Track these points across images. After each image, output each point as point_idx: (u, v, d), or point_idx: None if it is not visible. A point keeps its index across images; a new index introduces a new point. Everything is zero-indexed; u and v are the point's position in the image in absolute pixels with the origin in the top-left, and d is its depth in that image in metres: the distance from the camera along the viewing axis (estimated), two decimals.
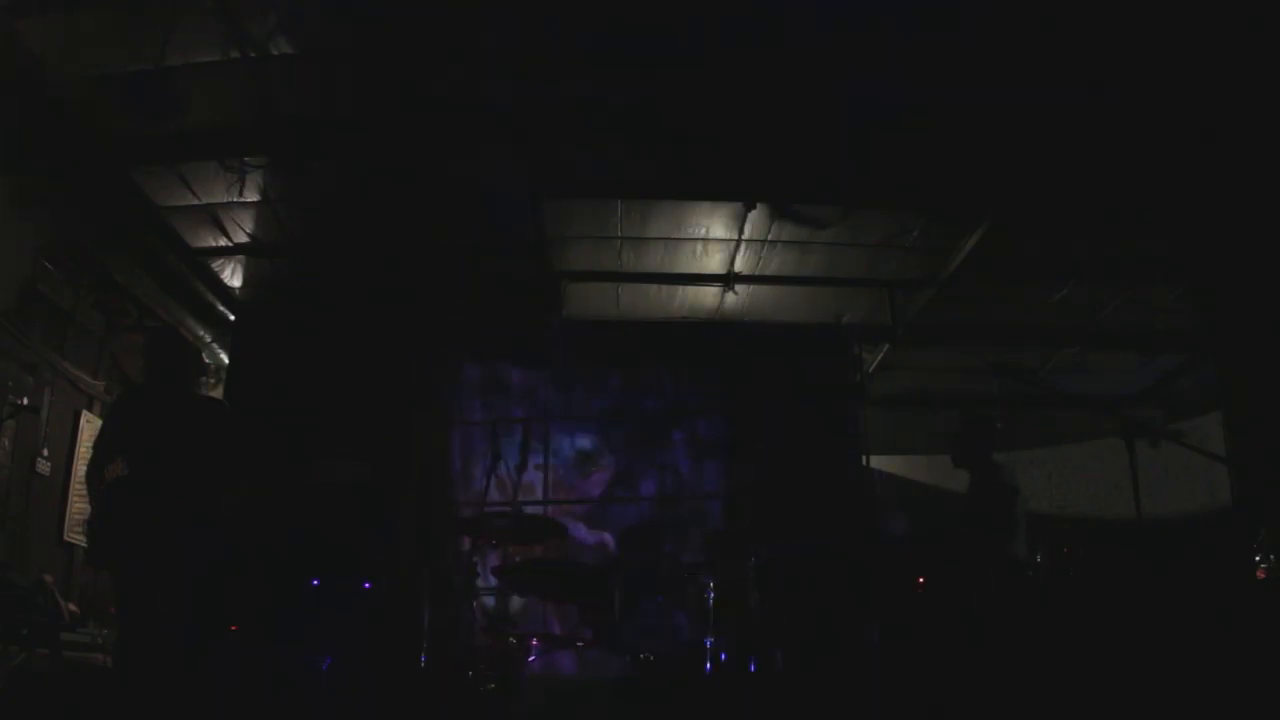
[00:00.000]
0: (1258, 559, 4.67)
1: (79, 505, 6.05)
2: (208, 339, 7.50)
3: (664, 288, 7.15)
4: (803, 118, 5.23)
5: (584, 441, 7.81)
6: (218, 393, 7.43)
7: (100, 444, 4.25)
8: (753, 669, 4.51)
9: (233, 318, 7.41)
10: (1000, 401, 7.89)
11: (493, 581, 5.57)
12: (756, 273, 6.90)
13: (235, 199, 5.84)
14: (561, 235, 6.49)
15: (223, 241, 6.43)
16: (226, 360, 7.65)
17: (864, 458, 7.31)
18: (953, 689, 4.14)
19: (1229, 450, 5.76)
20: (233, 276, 6.98)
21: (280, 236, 6.37)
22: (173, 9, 4.35)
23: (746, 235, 6.40)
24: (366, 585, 5.84)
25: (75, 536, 6.14)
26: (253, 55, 4.66)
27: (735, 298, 7.20)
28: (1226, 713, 3.89)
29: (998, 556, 4.53)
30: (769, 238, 6.43)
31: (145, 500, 3.94)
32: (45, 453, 5.99)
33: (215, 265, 6.79)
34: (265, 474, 4.71)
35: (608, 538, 7.34)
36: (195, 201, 5.91)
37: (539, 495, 7.65)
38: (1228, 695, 3.92)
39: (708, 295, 7.21)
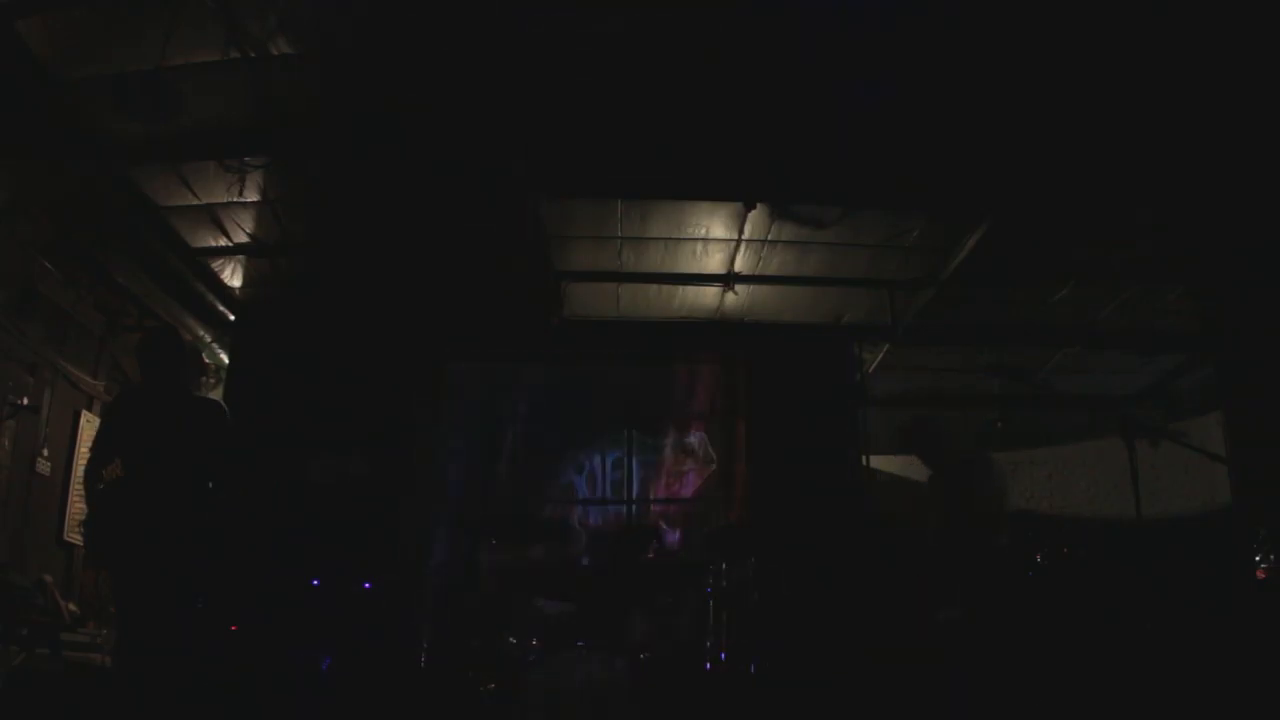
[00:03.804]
0: (1258, 559, 4.67)
1: (79, 505, 6.04)
2: (208, 339, 7.50)
3: (664, 288, 7.14)
4: (803, 117, 5.23)
5: (692, 439, 7.78)
6: (218, 393, 7.42)
7: (98, 444, 4.25)
8: (753, 669, 4.51)
9: (233, 318, 7.41)
10: (1000, 401, 7.91)
11: (493, 581, 5.57)
12: (756, 273, 6.90)
13: (235, 199, 5.84)
14: (561, 235, 6.48)
15: (223, 241, 6.43)
16: (226, 360, 7.65)
17: (864, 458, 7.31)
18: (953, 687, 4.14)
19: (1229, 450, 5.76)
20: (233, 276, 6.97)
21: (280, 236, 6.37)
22: (173, 9, 4.34)
23: (746, 235, 6.40)
24: (366, 585, 5.84)
25: (75, 536, 6.14)
26: (253, 55, 4.66)
27: (735, 298, 7.19)
28: (1227, 712, 3.89)
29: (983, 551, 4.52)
30: (769, 238, 6.43)
31: (143, 500, 3.94)
32: (45, 453, 5.99)
33: (215, 265, 6.79)
34: (264, 474, 4.71)
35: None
36: (195, 201, 5.91)
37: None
38: (1228, 695, 3.92)
39: (708, 295, 7.20)
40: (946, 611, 4.43)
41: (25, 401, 5.67)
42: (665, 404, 7.98)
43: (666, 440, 7.84)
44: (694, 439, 7.77)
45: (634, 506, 7.75)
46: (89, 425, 6.31)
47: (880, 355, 7.92)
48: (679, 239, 6.51)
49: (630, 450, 7.81)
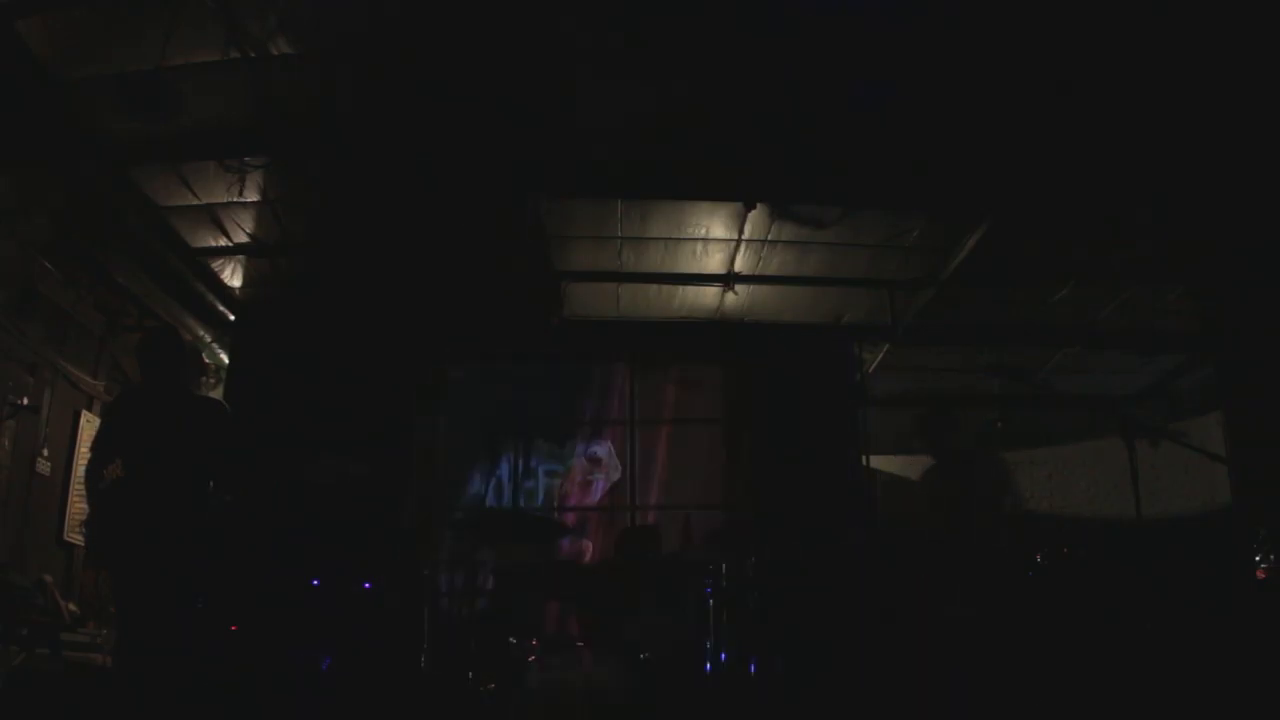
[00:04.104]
0: (1258, 559, 4.67)
1: (79, 505, 6.04)
2: (208, 339, 7.50)
3: (664, 288, 7.15)
4: (803, 117, 5.23)
5: (598, 449, 7.80)
6: (218, 393, 7.42)
7: (99, 444, 4.25)
8: (753, 670, 4.51)
9: (233, 318, 7.41)
10: (1000, 401, 7.91)
11: (493, 581, 5.57)
12: (756, 273, 6.90)
13: (235, 199, 5.84)
14: (561, 235, 6.49)
15: (223, 241, 6.43)
16: (226, 360, 7.65)
17: (864, 458, 7.31)
18: (953, 688, 4.14)
19: (1229, 450, 5.77)
20: (233, 276, 6.98)
21: (280, 236, 6.37)
22: (173, 9, 4.34)
23: (746, 235, 6.40)
24: (366, 585, 5.83)
25: (75, 536, 6.14)
26: (253, 55, 4.66)
27: (735, 298, 7.19)
28: (1227, 712, 3.89)
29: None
30: (769, 238, 6.43)
31: (144, 500, 3.94)
32: (45, 453, 5.98)
33: (215, 265, 6.79)
34: (264, 474, 4.70)
35: (587, 544, 7.35)
36: (195, 201, 5.91)
37: (540, 500, 7.66)
38: (1228, 695, 3.92)
39: (708, 295, 7.21)
40: (952, 610, 4.43)
41: (25, 401, 5.67)
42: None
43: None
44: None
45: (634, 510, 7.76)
46: (89, 425, 6.30)
47: (880, 355, 7.93)
48: (679, 239, 6.51)
49: (632, 452, 7.82)
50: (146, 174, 5.71)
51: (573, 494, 7.70)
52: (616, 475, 7.79)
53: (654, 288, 7.16)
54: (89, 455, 4.24)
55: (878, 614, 4.56)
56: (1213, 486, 6.68)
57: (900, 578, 4.65)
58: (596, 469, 7.70)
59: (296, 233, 6.36)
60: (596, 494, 7.74)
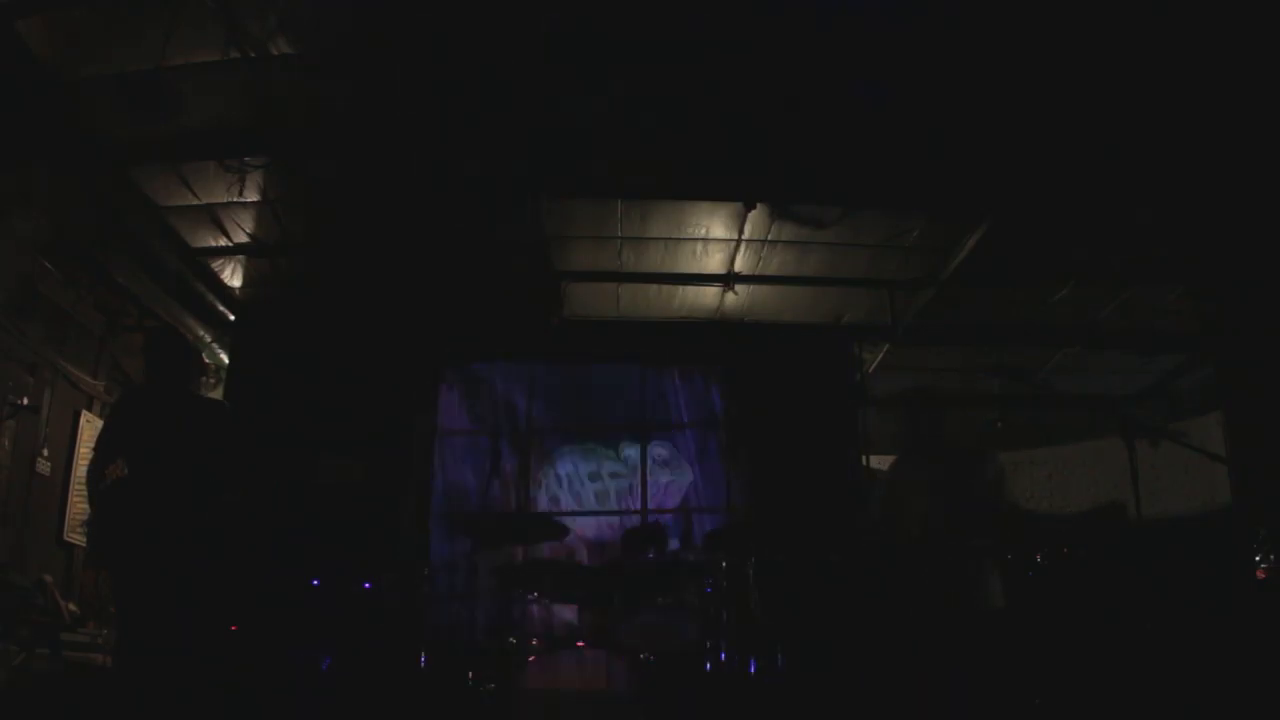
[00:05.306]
0: (1258, 559, 4.68)
1: (79, 505, 6.05)
2: (208, 339, 7.50)
3: (664, 288, 7.15)
4: (803, 117, 5.23)
5: (661, 450, 7.85)
6: (218, 393, 7.43)
7: (101, 444, 4.25)
8: (753, 669, 4.51)
9: (233, 318, 7.41)
10: (1000, 401, 7.92)
11: (493, 581, 5.57)
12: (756, 273, 6.90)
13: (235, 199, 5.84)
14: (561, 235, 6.49)
15: (223, 241, 6.43)
16: (226, 360, 7.65)
17: (864, 458, 7.31)
18: (952, 689, 4.14)
19: (1229, 450, 5.76)
20: (233, 276, 6.98)
21: (280, 236, 6.37)
22: (173, 9, 4.35)
23: (746, 235, 6.40)
24: (366, 585, 5.84)
25: (75, 536, 6.14)
26: (253, 55, 4.66)
27: (735, 298, 7.20)
28: (1227, 712, 3.90)
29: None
30: (769, 238, 6.43)
31: (145, 500, 3.94)
32: (45, 453, 5.98)
33: (215, 265, 6.79)
34: (265, 474, 4.71)
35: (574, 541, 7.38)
36: (195, 201, 5.91)
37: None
38: (1228, 695, 3.93)
39: (708, 295, 7.21)
40: (952, 610, 4.42)
41: (25, 401, 5.67)
42: (640, 413, 7.95)
43: (640, 452, 7.83)
44: (664, 450, 7.81)
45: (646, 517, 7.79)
46: (89, 425, 6.31)
47: (880, 355, 7.93)
48: (679, 239, 6.51)
49: (643, 459, 7.85)
50: (146, 174, 5.71)
51: (653, 495, 7.71)
52: (687, 477, 7.81)
53: (654, 288, 7.16)
54: (91, 455, 4.24)
55: (878, 613, 4.56)
56: (1213, 486, 6.68)
57: (900, 577, 4.64)
58: (664, 470, 7.72)
59: (296, 233, 6.36)
60: (673, 496, 7.78)
